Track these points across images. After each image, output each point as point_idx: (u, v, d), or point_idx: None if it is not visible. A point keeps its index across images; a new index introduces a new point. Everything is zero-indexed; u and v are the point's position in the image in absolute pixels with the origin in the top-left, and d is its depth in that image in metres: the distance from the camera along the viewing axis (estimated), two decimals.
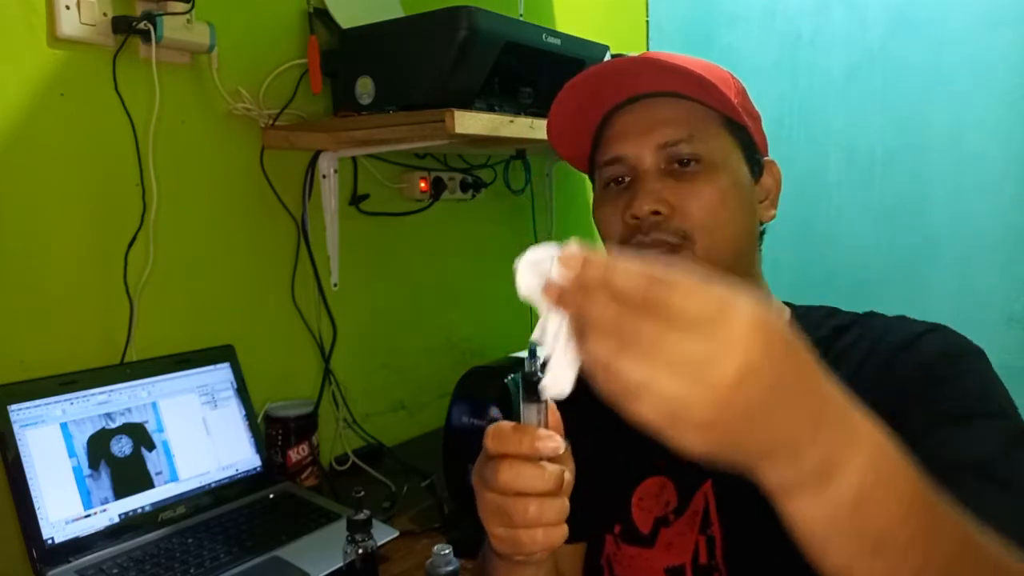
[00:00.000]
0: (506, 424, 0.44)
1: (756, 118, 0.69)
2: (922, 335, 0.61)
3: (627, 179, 0.65)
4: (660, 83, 0.64)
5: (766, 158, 0.70)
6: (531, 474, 0.43)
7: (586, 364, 0.35)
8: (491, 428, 0.44)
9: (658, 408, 0.32)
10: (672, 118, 0.64)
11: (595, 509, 0.68)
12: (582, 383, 0.74)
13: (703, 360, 0.31)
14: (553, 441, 0.41)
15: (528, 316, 1.74)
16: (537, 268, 0.38)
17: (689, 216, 0.61)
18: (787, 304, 0.72)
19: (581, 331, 0.35)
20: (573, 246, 0.36)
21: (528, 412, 0.43)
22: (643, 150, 0.64)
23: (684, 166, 0.63)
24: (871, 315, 0.68)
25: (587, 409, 0.71)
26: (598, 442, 0.69)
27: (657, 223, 0.62)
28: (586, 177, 2.00)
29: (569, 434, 0.59)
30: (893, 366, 0.60)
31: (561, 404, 0.74)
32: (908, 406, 0.56)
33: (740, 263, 0.65)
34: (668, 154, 0.63)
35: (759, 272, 0.69)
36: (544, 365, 0.39)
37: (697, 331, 0.32)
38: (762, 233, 0.70)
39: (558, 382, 0.38)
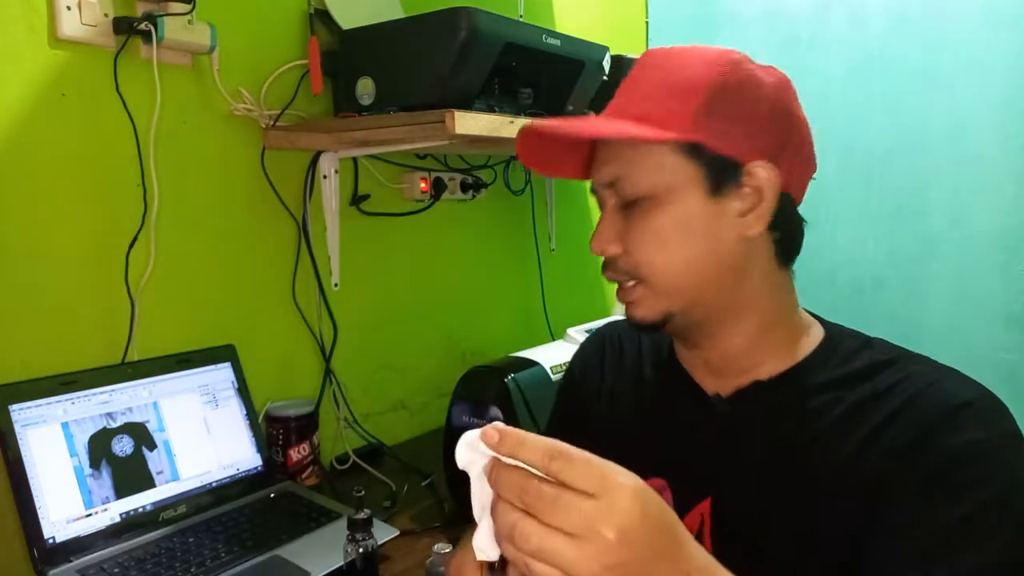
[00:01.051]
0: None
1: (743, 119, 0.60)
2: (957, 411, 0.55)
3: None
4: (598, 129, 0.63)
5: (755, 163, 0.59)
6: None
7: (498, 530, 0.42)
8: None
9: (556, 566, 0.39)
10: (612, 156, 0.62)
11: None
12: (607, 371, 0.77)
13: (592, 517, 0.38)
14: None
15: (527, 317, 1.74)
16: (472, 446, 0.44)
17: (633, 257, 0.61)
18: (820, 321, 0.67)
19: (495, 500, 0.42)
20: (494, 426, 0.43)
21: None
22: (598, 185, 0.64)
23: (632, 203, 0.61)
24: (913, 358, 0.62)
25: (606, 399, 0.75)
26: (611, 433, 0.71)
27: (612, 262, 0.63)
28: None
29: (589, 421, 0.72)
30: (909, 451, 0.55)
31: (586, 389, 0.77)
32: (896, 510, 0.54)
33: (708, 293, 0.61)
34: (615, 191, 0.62)
35: (759, 290, 0.63)
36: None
37: (587, 497, 0.39)
38: (781, 241, 0.63)
39: (484, 550, 0.44)
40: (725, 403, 0.65)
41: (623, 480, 0.40)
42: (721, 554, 0.60)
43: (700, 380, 0.67)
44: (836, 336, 0.65)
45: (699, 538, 0.62)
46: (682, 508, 0.64)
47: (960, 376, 0.60)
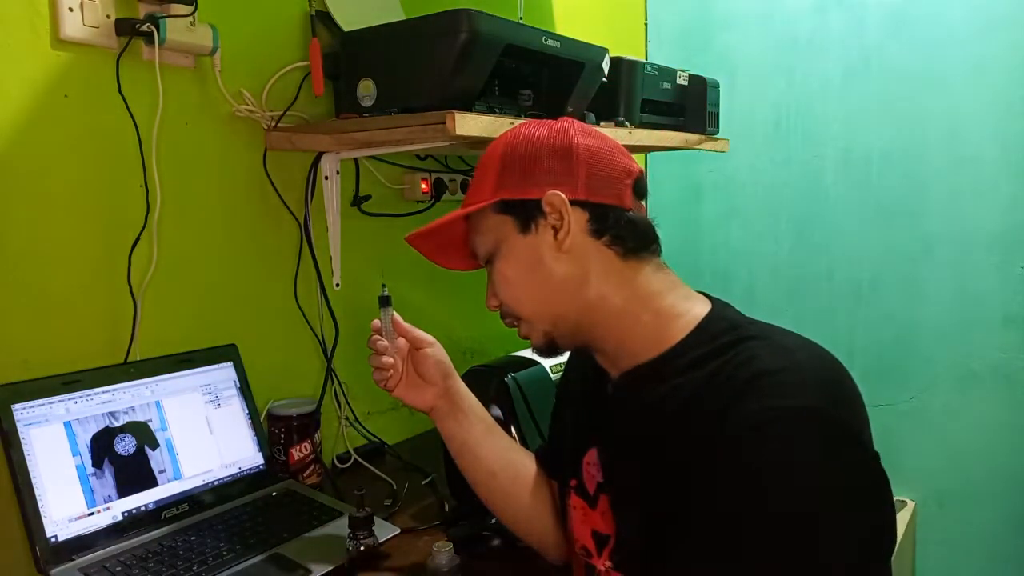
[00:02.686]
0: (375, 322, 0.86)
1: (528, 169, 0.71)
2: (748, 384, 0.59)
3: None
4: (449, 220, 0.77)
5: (548, 192, 0.69)
6: (376, 347, 0.85)
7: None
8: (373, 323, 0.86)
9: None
10: (469, 233, 0.78)
11: (564, 461, 0.83)
12: (574, 363, 0.91)
13: None
14: (381, 341, 0.85)
15: None
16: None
17: (507, 303, 0.75)
18: (713, 304, 0.71)
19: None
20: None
21: (383, 315, 0.86)
22: (475, 260, 0.80)
23: (488, 263, 0.76)
24: (768, 336, 0.64)
25: (574, 380, 0.86)
26: (574, 408, 0.85)
27: (500, 313, 0.77)
28: None
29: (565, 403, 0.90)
30: (710, 428, 0.60)
31: (566, 377, 0.94)
32: (692, 489, 0.60)
33: (563, 307, 0.72)
34: (479, 259, 0.77)
35: (605, 288, 0.70)
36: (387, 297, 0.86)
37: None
38: (615, 240, 0.70)
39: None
40: (613, 386, 0.74)
41: None
42: (618, 518, 0.73)
43: (608, 369, 0.76)
44: (714, 319, 0.69)
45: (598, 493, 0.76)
46: (606, 475, 0.75)
47: (788, 349, 0.61)
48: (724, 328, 0.67)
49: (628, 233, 0.71)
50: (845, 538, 0.55)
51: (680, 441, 0.63)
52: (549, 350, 0.75)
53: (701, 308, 0.70)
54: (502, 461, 0.87)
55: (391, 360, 0.85)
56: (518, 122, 1.06)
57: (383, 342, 0.85)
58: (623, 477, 0.72)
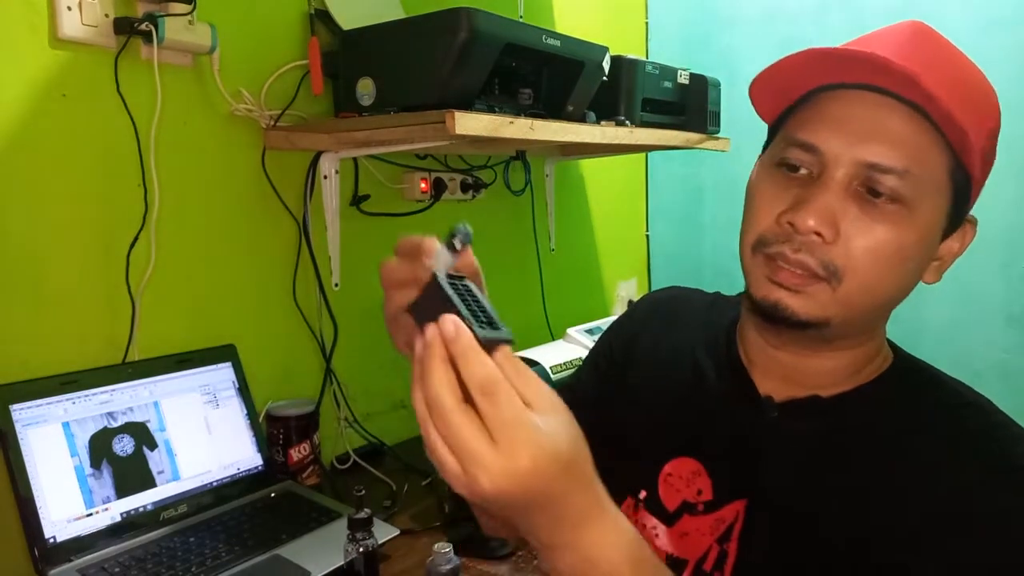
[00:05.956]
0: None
1: (990, 165, 0.58)
2: (1015, 472, 0.53)
3: (805, 172, 0.56)
4: (908, 90, 0.53)
5: (968, 216, 0.58)
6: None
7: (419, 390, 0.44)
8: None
9: (443, 472, 0.42)
10: (896, 138, 0.52)
11: (621, 467, 0.68)
12: (642, 344, 0.75)
13: (476, 461, 0.40)
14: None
15: (527, 317, 1.74)
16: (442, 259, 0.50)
17: (851, 255, 0.53)
18: (892, 348, 0.64)
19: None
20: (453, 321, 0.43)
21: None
22: (843, 155, 0.53)
23: (876, 196, 0.53)
24: (982, 405, 0.58)
25: (641, 371, 0.73)
26: (643, 405, 0.71)
27: (812, 244, 0.54)
28: (584, 178, 2.00)
29: (624, 391, 0.73)
30: (961, 501, 0.53)
31: (621, 360, 0.75)
32: (943, 549, 0.52)
33: (869, 315, 0.58)
34: (868, 176, 0.53)
35: (882, 325, 0.62)
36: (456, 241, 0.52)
37: (490, 439, 0.40)
38: None
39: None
40: (775, 408, 0.62)
41: (531, 447, 0.40)
42: (745, 554, 0.60)
43: (757, 378, 0.64)
44: (906, 364, 0.63)
45: (729, 532, 0.62)
46: (720, 497, 0.63)
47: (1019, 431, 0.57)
48: (925, 380, 0.61)
49: None
50: None
51: (886, 494, 0.55)
52: (796, 325, 0.56)
53: (887, 345, 0.63)
54: None
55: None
56: (519, 121, 1.05)
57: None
58: (774, 512, 0.60)
